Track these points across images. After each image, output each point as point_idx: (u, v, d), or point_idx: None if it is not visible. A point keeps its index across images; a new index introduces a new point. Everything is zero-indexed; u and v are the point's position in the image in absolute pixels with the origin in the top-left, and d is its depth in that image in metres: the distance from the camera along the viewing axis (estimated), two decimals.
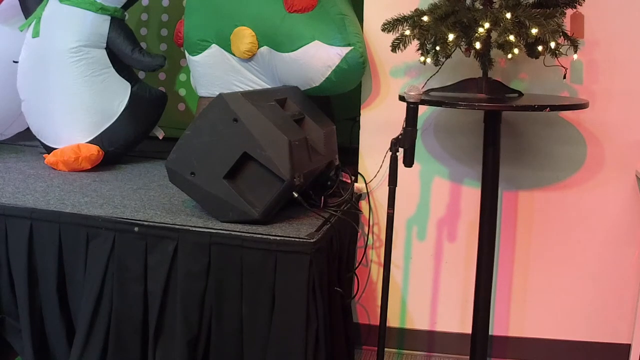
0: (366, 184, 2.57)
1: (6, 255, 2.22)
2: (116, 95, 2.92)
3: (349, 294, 2.50)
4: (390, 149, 1.96)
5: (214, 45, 2.71)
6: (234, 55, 2.65)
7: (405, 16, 2.18)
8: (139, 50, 2.94)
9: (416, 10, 2.17)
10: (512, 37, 1.96)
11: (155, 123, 3.10)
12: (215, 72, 2.75)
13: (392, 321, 2.64)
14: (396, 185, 2.00)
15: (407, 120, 1.96)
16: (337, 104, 2.94)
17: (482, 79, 2.19)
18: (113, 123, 2.90)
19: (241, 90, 2.59)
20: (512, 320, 2.59)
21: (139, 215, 2.14)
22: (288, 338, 1.96)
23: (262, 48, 2.57)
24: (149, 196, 2.41)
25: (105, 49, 2.91)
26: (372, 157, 2.55)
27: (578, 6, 2.14)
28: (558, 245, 2.51)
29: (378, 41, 2.48)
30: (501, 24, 1.97)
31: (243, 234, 2.00)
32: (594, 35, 2.32)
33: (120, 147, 2.93)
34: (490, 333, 2.43)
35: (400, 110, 2.10)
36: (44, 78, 2.89)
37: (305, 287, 1.94)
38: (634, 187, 2.44)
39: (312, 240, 1.95)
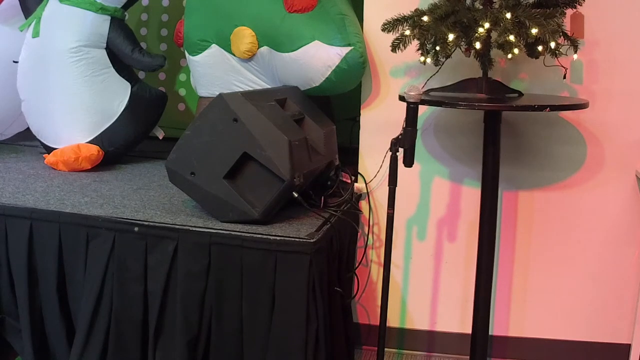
0: (366, 184, 2.57)
1: (6, 255, 2.22)
2: (116, 95, 2.92)
3: (349, 294, 2.50)
4: (390, 149, 1.96)
5: (214, 45, 2.71)
6: (234, 55, 2.65)
7: (405, 16, 2.18)
8: (139, 50, 2.94)
9: (416, 10, 2.17)
10: (512, 37, 1.96)
11: (155, 123, 3.10)
12: (215, 72, 2.75)
13: (392, 321, 2.64)
14: (396, 185, 2.00)
15: (407, 120, 1.95)
16: (337, 104, 2.94)
17: (482, 79, 2.19)
18: (113, 123, 2.90)
19: (241, 90, 2.59)
20: (512, 320, 2.59)
21: (139, 215, 2.14)
22: (288, 338, 1.96)
23: (262, 48, 2.57)
24: (149, 196, 2.41)
25: (105, 49, 2.91)
26: (372, 157, 2.55)
27: (578, 6, 2.13)
28: (558, 245, 2.51)
29: (378, 41, 2.47)
30: (501, 24, 1.97)
31: (243, 234, 2.00)
32: (594, 35, 2.32)
33: (120, 147, 2.93)
34: (490, 333, 2.43)
35: (400, 110, 2.10)
36: (44, 78, 2.89)
37: (305, 287, 1.94)
38: (634, 187, 2.44)
39: (312, 240, 1.95)
